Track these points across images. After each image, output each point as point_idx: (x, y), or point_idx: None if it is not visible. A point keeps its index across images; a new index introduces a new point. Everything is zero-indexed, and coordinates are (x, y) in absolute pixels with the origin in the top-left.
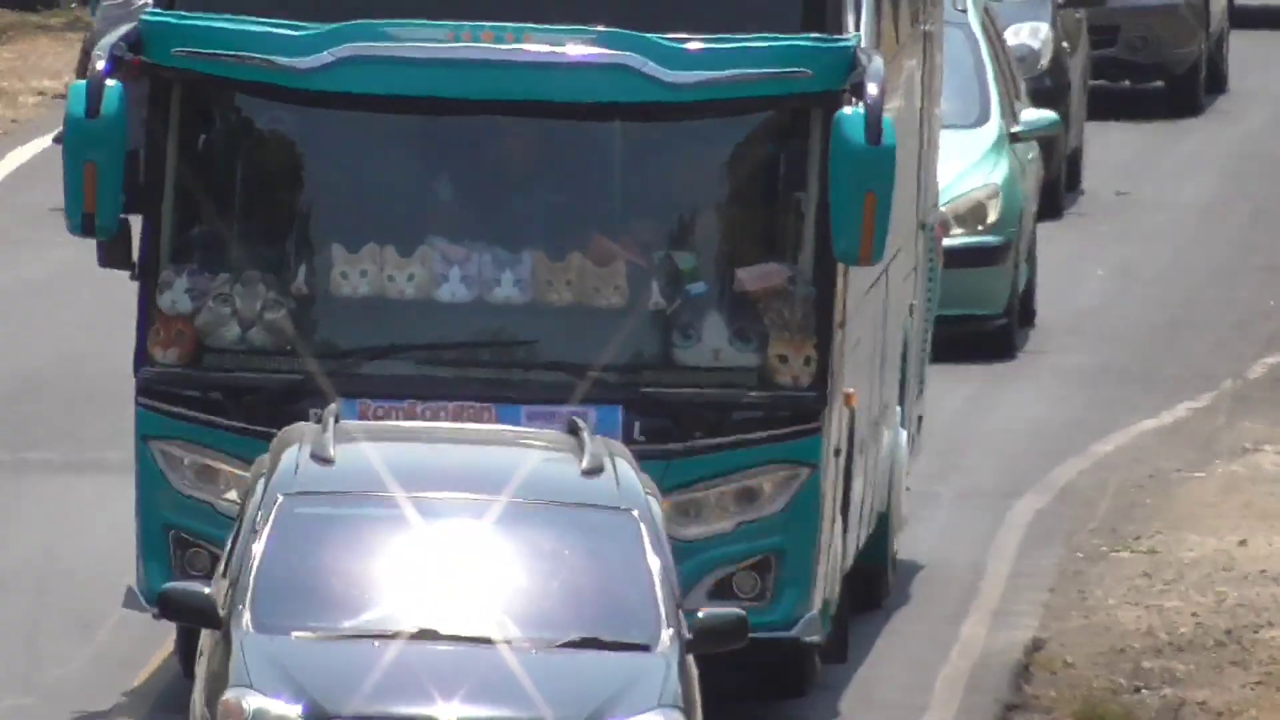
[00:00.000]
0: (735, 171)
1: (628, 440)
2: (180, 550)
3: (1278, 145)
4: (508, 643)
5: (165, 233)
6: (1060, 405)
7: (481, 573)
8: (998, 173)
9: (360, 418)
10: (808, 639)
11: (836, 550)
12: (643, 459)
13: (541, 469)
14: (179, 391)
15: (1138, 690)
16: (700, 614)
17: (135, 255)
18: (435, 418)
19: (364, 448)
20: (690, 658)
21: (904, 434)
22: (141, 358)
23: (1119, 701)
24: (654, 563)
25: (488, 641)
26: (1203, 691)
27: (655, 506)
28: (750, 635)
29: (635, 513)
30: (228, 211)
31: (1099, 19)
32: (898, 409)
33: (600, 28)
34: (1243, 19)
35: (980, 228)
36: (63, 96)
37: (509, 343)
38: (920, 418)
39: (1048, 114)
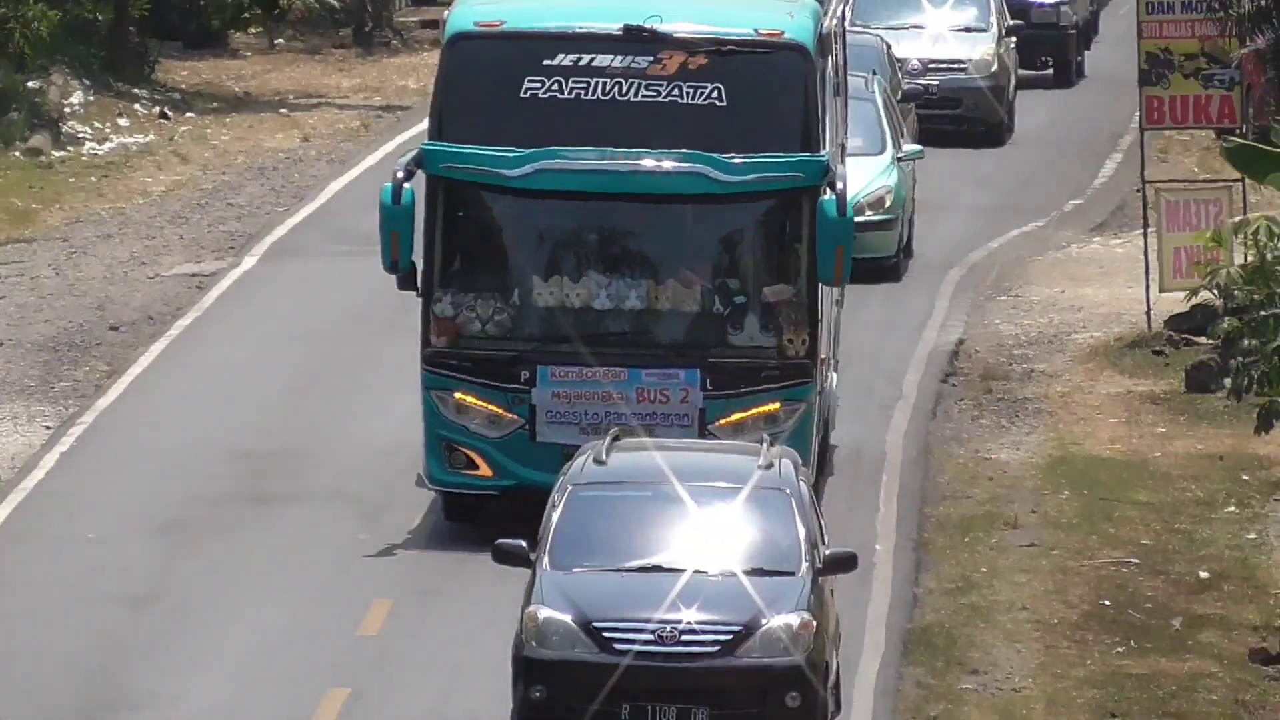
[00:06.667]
0: (761, 233)
1: (702, 389)
2: (448, 452)
3: (1039, 152)
4: (708, 572)
5: (436, 271)
6: (963, 231)
7: (691, 530)
8: (891, 178)
9: (551, 379)
10: None
11: (815, 443)
12: (710, 399)
13: (735, 464)
14: (446, 362)
15: (1010, 364)
16: (827, 552)
17: (419, 284)
18: (594, 378)
19: (628, 455)
20: (822, 579)
21: (834, 376)
22: (425, 342)
23: (1000, 369)
24: (798, 521)
25: (700, 572)
26: (1042, 364)
27: (804, 487)
28: None
29: (788, 491)
30: (471, 258)
31: (948, 92)
32: (834, 360)
33: (684, 150)
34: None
35: (882, 209)
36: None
37: (635, 332)
38: (837, 361)
39: (917, 146)
